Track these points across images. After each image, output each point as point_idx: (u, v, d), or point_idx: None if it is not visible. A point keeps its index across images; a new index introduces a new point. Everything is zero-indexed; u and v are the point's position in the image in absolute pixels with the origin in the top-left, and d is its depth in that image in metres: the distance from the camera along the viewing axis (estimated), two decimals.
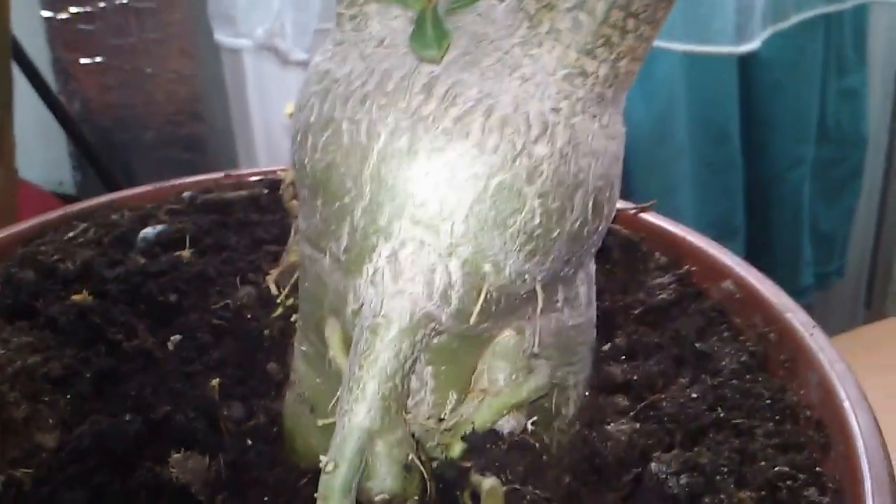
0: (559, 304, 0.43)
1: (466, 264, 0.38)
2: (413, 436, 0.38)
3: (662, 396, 0.47)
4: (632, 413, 0.46)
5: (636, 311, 0.53)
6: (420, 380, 0.40)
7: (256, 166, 1.40)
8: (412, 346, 0.37)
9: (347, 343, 0.40)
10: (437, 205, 0.37)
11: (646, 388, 0.49)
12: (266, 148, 1.39)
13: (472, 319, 0.38)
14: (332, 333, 0.40)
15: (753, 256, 1.51)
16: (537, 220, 0.38)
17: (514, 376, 0.40)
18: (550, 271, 0.40)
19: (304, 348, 0.44)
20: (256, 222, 0.60)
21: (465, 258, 0.37)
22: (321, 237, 0.40)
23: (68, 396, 0.45)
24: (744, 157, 1.37)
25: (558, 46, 0.37)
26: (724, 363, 0.48)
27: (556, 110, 0.38)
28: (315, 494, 0.36)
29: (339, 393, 0.38)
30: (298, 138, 0.41)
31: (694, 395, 0.47)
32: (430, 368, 0.40)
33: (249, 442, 0.43)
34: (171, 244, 0.58)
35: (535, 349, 0.41)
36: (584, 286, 0.45)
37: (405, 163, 0.37)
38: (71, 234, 0.59)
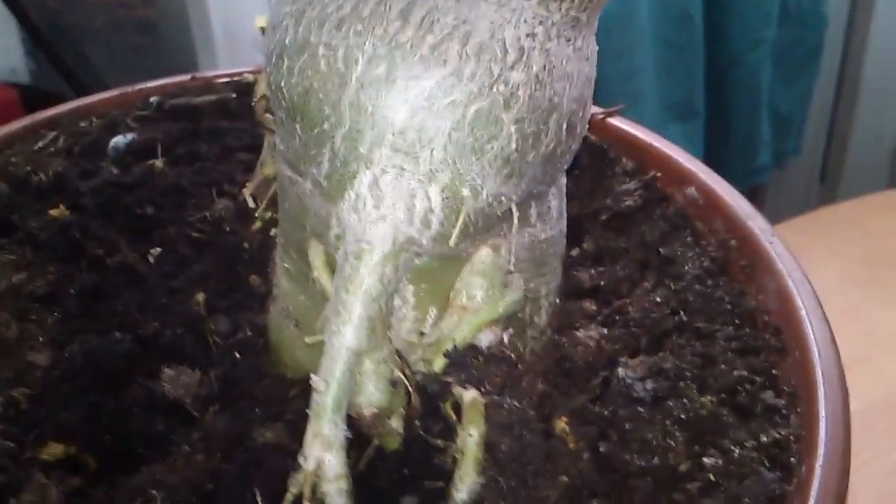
0: (532, 220, 0.44)
1: (446, 189, 0.39)
2: (397, 352, 0.40)
3: (628, 301, 0.50)
4: (599, 318, 0.49)
5: (603, 217, 0.55)
6: (402, 298, 0.41)
7: (212, 49, 1.38)
8: (395, 270, 0.39)
9: (330, 264, 0.41)
10: (415, 132, 0.38)
11: (612, 293, 0.51)
12: (223, 31, 1.36)
13: (452, 241, 0.40)
14: (316, 256, 0.42)
15: (713, 137, 1.54)
16: (514, 146, 0.39)
17: (490, 292, 0.42)
18: (526, 191, 0.41)
19: (286, 265, 0.45)
20: (227, 130, 0.60)
21: (444, 184, 0.39)
22: (301, 160, 0.41)
23: (56, 314, 0.46)
24: (705, 39, 1.38)
25: None
26: (686, 268, 0.51)
27: (531, 35, 0.38)
28: (307, 410, 0.38)
29: (324, 313, 0.39)
30: (273, 59, 0.41)
31: (658, 300, 0.49)
32: (411, 287, 0.41)
33: (238, 355, 0.45)
34: (142, 153, 0.58)
35: (511, 266, 0.43)
36: (556, 199, 0.46)
37: (384, 90, 0.37)
38: (41, 144, 0.59)
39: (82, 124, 0.61)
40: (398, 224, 0.39)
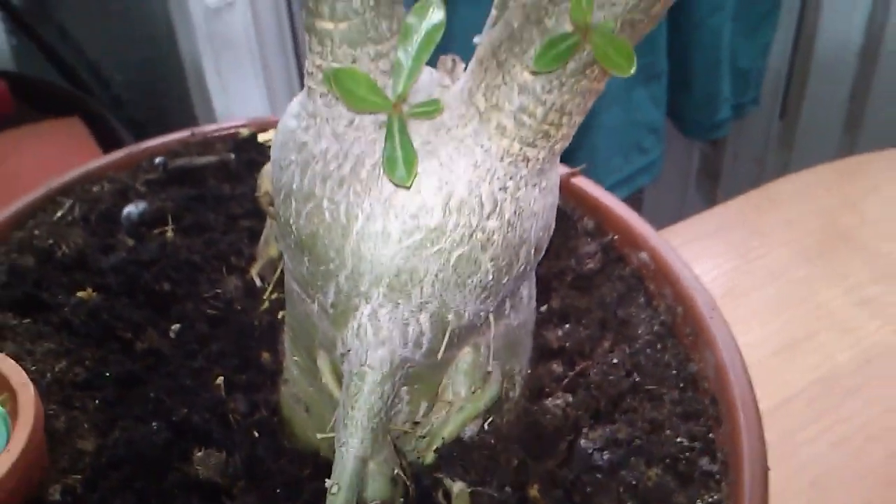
0: (507, 312, 0.52)
1: (434, 316, 0.46)
2: (395, 446, 0.48)
3: (590, 363, 0.58)
4: (565, 381, 0.57)
5: (569, 278, 0.63)
6: (397, 396, 0.49)
7: (189, 19, 1.40)
8: (393, 386, 0.46)
9: (337, 372, 0.49)
10: (408, 274, 0.45)
11: (577, 352, 0.59)
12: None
13: (440, 355, 0.47)
14: (324, 364, 0.49)
15: (676, 97, 1.60)
16: (490, 277, 0.46)
17: (472, 388, 0.50)
18: (501, 300, 0.49)
19: (295, 358, 0.52)
20: (229, 197, 0.66)
21: (432, 312, 0.46)
22: (309, 286, 0.48)
23: (96, 401, 0.53)
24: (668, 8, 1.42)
25: (505, 140, 0.44)
26: (640, 331, 0.59)
27: (503, 189, 0.45)
28: (321, 486, 0.46)
29: (333, 419, 0.47)
30: (282, 197, 0.48)
31: (615, 361, 0.57)
32: (405, 388, 0.49)
33: (257, 434, 0.53)
34: (153, 222, 0.65)
35: (490, 362, 0.50)
36: (527, 288, 0.54)
37: (381, 243, 0.44)
38: (60, 214, 0.65)
39: (95, 189, 0.67)
40: (394, 348, 0.46)
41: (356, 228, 0.45)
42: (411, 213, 0.44)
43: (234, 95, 1.46)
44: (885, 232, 1.15)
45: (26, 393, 0.47)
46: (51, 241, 0.63)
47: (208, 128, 0.72)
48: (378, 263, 0.45)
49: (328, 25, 0.45)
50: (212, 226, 0.64)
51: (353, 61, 0.45)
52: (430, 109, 0.43)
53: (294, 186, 0.47)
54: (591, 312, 0.61)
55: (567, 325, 0.60)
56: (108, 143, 1.17)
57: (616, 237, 0.63)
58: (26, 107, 1.27)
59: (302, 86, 0.48)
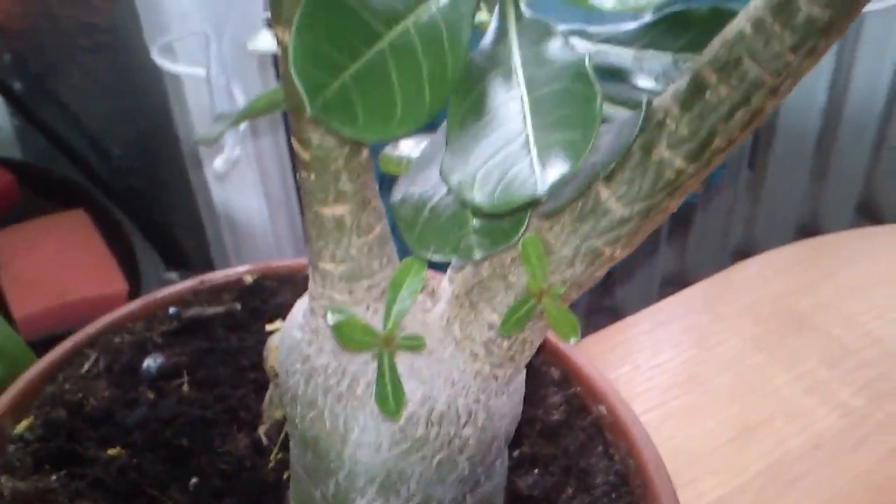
0: (482, 483, 0.61)
1: None
2: None
3: None
4: None
5: (538, 427, 0.71)
6: None
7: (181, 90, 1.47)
8: None
9: None
10: (397, 475, 0.54)
11: (544, 499, 0.68)
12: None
13: None
14: None
15: None
16: (466, 472, 0.55)
17: None
18: (476, 479, 0.57)
19: None
20: (237, 349, 0.75)
21: (417, 502, 0.55)
22: (311, 475, 0.56)
23: None
24: None
25: (477, 363, 0.53)
26: (598, 479, 0.68)
27: (477, 401, 0.54)
28: None
29: None
30: (289, 397, 0.56)
31: None
32: None
33: None
34: (170, 375, 0.73)
35: None
36: (500, 459, 0.62)
37: (374, 451, 0.53)
38: (86, 367, 0.74)
39: (117, 340, 0.76)
40: None
41: (353, 438, 0.53)
42: (399, 426, 0.53)
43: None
44: (836, 317, 1.24)
45: None
46: (80, 395, 0.71)
47: (216, 276, 0.81)
48: (371, 467, 0.53)
49: (329, 267, 0.53)
50: (222, 380, 0.73)
51: (350, 292, 0.54)
52: (415, 344, 0.51)
53: (299, 392, 0.55)
54: (556, 460, 0.69)
55: (536, 471, 0.69)
56: (112, 235, 1.25)
57: (579, 389, 0.72)
58: (31, 195, 1.35)
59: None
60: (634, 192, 0.45)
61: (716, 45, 0.41)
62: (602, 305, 2.17)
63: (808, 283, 1.28)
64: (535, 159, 0.40)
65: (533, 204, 0.41)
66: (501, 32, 0.48)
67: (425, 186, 0.48)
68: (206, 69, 1.15)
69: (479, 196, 0.40)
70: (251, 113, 0.54)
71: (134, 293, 1.14)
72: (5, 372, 0.83)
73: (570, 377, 0.73)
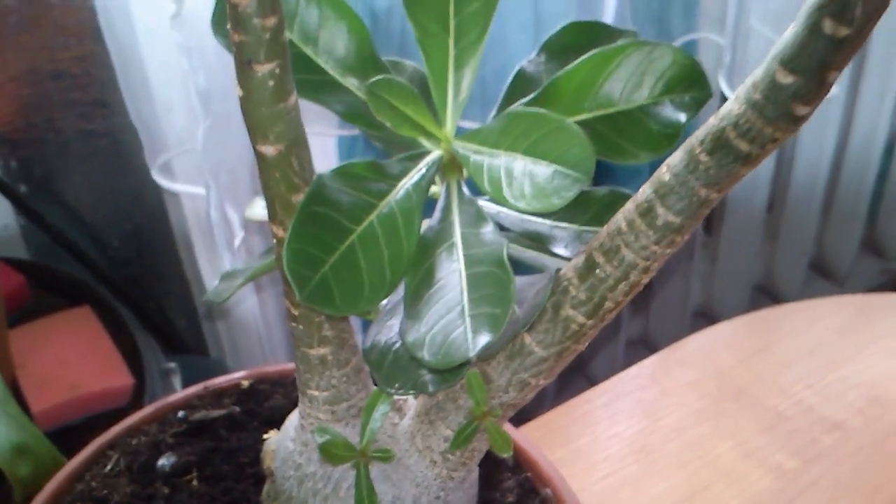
0: None
1: None
2: None
3: None
4: None
5: None
6: None
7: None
8: None
9: None
10: None
11: None
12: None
13: None
14: None
15: None
16: None
17: None
18: None
19: None
20: (237, 448, 0.88)
21: None
22: None
23: None
24: None
25: (437, 468, 0.66)
26: None
27: (437, 497, 0.67)
28: None
29: None
30: (285, 497, 0.69)
31: None
32: None
33: None
34: (182, 472, 0.86)
35: None
36: None
37: None
38: (109, 467, 0.86)
39: (134, 442, 0.88)
40: None
41: None
42: None
43: (214, 264, 1.67)
44: (772, 387, 1.38)
45: None
46: (105, 492, 0.84)
47: (217, 381, 0.93)
48: None
49: (315, 393, 0.66)
50: (226, 475, 0.85)
51: (333, 412, 0.67)
52: (386, 456, 0.65)
53: (293, 494, 0.68)
54: None
55: None
56: (115, 329, 1.38)
57: (529, 474, 0.85)
58: (39, 292, 1.48)
59: None
60: (550, 339, 0.58)
61: (603, 234, 0.55)
62: (574, 370, 2.30)
63: (747, 357, 1.42)
64: (469, 328, 0.53)
65: (466, 363, 0.54)
66: (447, 211, 0.62)
67: (390, 334, 0.61)
68: (204, 188, 1.28)
69: (427, 355, 0.54)
70: (254, 276, 0.68)
71: (139, 385, 1.26)
72: (34, 469, 0.95)
73: (522, 463, 0.86)
